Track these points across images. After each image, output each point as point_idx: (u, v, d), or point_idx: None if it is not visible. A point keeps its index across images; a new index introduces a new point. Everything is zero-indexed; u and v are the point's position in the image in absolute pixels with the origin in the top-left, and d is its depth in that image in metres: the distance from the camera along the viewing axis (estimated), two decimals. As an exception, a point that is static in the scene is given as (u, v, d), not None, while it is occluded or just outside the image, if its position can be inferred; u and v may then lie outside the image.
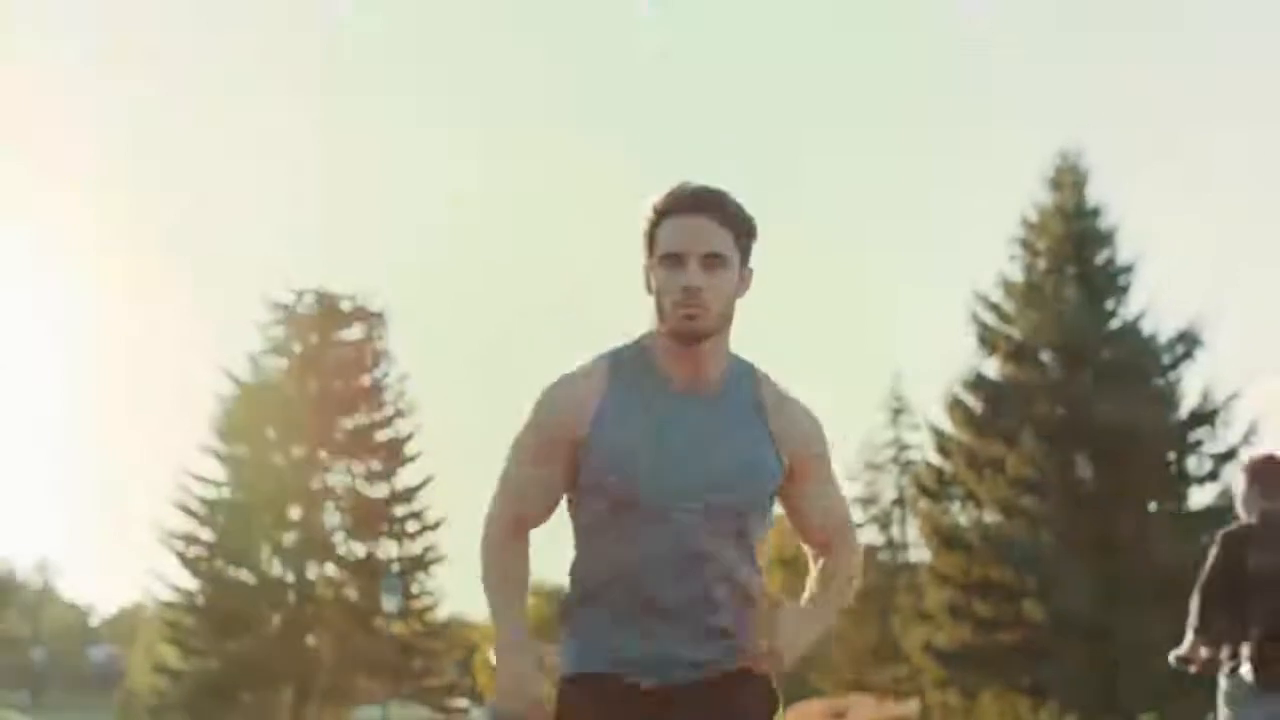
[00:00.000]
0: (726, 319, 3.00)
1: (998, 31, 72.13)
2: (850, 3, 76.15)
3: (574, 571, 3.09)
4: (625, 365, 3.03)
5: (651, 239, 3.00)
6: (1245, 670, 5.55)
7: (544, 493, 3.04)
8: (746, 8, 77.09)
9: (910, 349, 57.04)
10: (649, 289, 3.02)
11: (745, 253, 3.01)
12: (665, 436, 2.96)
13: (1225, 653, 5.63)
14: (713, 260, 2.94)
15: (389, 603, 30.33)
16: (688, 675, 2.99)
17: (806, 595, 3.16)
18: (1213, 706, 5.73)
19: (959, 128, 69.36)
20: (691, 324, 2.93)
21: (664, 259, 2.95)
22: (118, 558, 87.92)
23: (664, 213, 2.99)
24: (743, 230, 3.00)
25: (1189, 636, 5.74)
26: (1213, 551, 5.69)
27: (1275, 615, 5.47)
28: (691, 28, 76.31)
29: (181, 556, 34.46)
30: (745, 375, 3.06)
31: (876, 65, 75.98)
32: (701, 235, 2.94)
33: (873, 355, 69.96)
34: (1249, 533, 5.69)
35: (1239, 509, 5.88)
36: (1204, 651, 5.67)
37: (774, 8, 77.62)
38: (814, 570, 3.20)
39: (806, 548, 3.21)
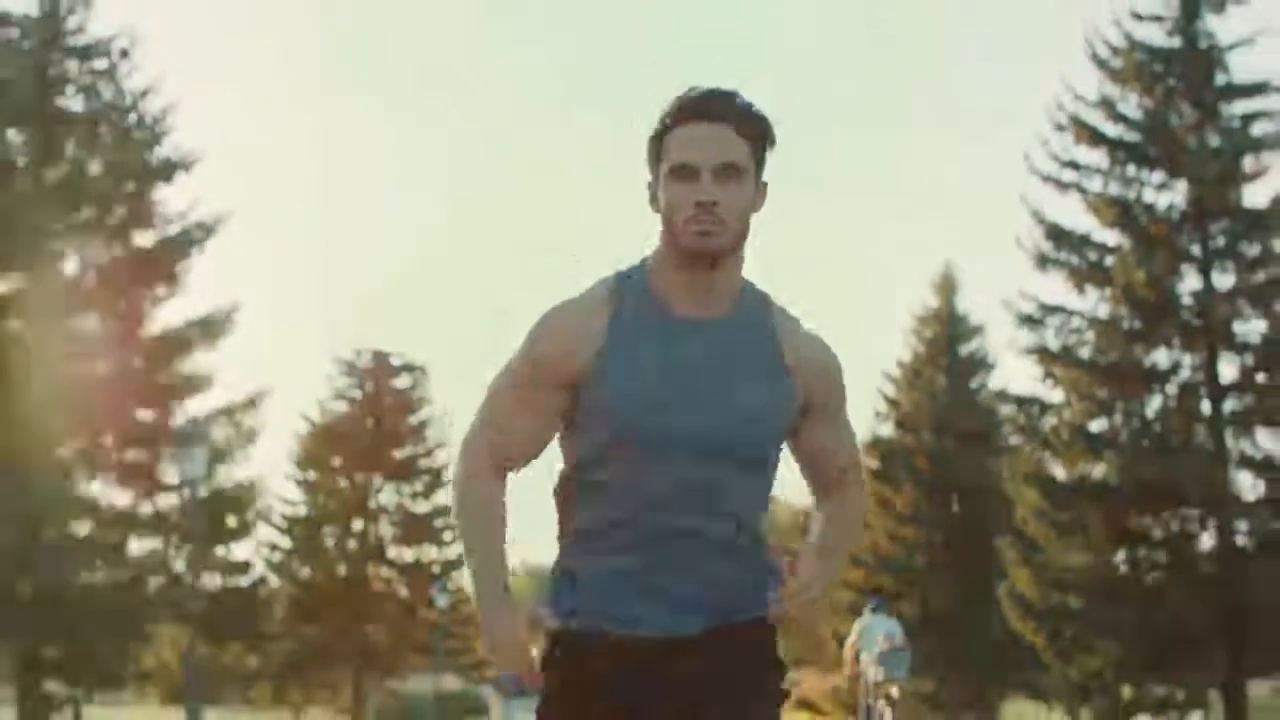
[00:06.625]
0: (742, 236, 2.96)
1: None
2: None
3: (568, 509, 3.08)
4: (627, 292, 3.00)
5: (659, 149, 2.97)
6: None
7: (530, 434, 3.05)
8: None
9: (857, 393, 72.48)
10: (655, 206, 2.98)
11: (761, 163, 3.00)
12: (671, 370, 2.94)
13: None
14: (728, 171, 2.91)
15: (440, 599, 44.58)
16: (691, 625, 2.99)
17: (817, 534, 3.17)
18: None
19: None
20: (706, 241, 2.90)
21: (674, 171, 2.92)
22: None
23: (673, 120, 2.96)
24: (760, 138, 2.98)
25: None
26: None
27: None
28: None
29: (267, 561, 48.63)
30: (759, 302, 3.05)
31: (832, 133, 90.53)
32: (715, 144, 2.91)
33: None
34: None
35: None
36: None
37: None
38: (823, 511, 3.22)
39: (812, 487, 3.23)
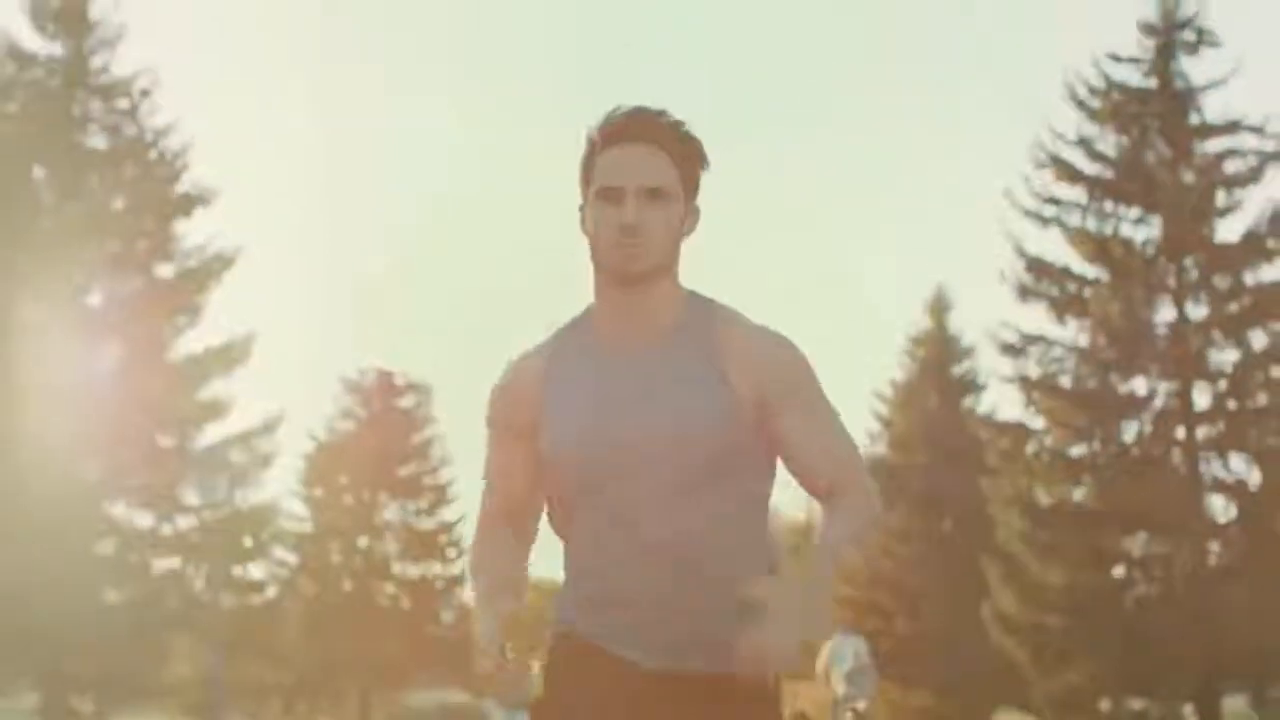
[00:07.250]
0: (670, 260, 2.95)
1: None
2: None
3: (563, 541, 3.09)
4: (568, 339, 3.02)
5: (587, 172, 2.95)
6: None
7: (525, 484, 3.09)
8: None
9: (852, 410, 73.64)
10: (585, 228, 2.96)
11: (692, 186, 2.97)
12: (599, 401, 2.94)
13: None
14: (653, 195, 2.89)
15: (447, 615, 46.14)
16: (679, 666, 2.93)
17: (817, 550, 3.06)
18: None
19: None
20: (630, 264, 2.89)
21: (600, 194, 2.91)
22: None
23: (600, 142, 2.94)
24: (689, 160, 2.95)
25: None
26: None
27: None
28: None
29: (274, 577, 50.00)
30: (702, 316, 2.99)
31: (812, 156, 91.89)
32: (640, 167, 2.90)
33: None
34: None
35: None
36: None
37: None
38: (823, 519, 3.13)
39: (814, 500, 3.17)
